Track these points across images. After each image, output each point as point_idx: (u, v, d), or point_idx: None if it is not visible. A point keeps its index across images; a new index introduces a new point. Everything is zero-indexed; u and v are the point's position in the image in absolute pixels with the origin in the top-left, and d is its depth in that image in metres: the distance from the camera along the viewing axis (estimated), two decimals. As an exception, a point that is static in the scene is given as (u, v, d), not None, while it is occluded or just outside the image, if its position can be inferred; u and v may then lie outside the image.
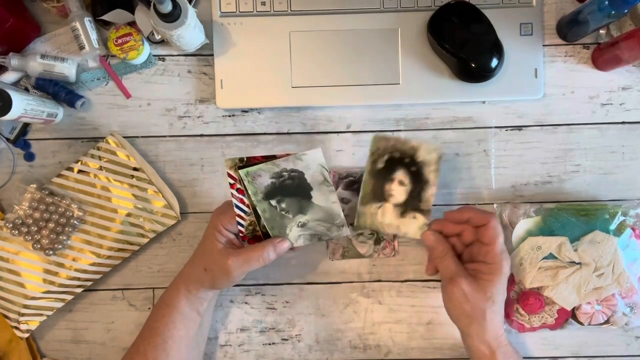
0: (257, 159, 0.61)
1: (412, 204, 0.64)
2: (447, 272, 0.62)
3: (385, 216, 0.65)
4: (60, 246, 0.68)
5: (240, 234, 0.64)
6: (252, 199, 0.61)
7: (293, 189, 0.62)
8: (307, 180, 0.61)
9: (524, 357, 0.71)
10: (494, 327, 0.61)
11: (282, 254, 0.63)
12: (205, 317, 0.67)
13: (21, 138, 0.71)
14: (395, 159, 0.64)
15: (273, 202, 0.62)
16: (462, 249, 0.65)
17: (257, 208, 0.62)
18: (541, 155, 0.71)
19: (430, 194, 0.64)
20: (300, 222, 0.63)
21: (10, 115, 0.62)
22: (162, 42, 0.71)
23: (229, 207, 0.63)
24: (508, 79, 0.70)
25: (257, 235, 0.64)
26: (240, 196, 0.62)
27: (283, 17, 0.70)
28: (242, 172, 0.61)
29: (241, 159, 0.61)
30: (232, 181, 0.62)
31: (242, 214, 0.63)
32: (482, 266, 0.61)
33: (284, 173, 0.61)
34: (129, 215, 0.69)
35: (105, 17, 0.69)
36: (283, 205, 0.62)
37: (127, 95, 0.71)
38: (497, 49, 0.68)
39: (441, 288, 0.63)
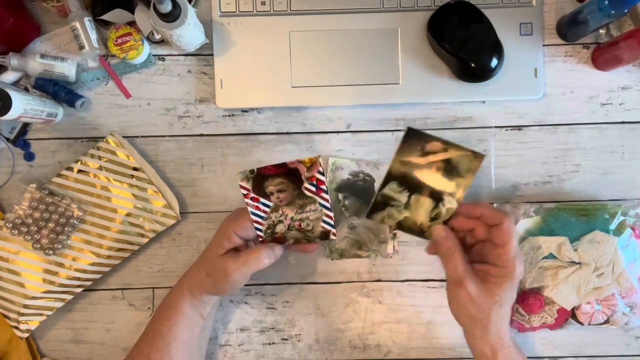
0: (267, 169, 0.61)
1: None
2: (453, 273, 0.59)
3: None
4: (60, 246, 0.68)
5: (260, 239, 0.64)
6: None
7: (361, 191, 0.69)
8: (374, 188, 0.67)
9: (524, 357, 0.72)
10: (499, 329, 0.59)
11: (279, 255, 0.63)
12: (209, 320, 0.67)
13: (21, 138, 0.71)
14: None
15: (340, 196, 0.69)
16: (472, 244, 0.62)
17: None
18: (541, 155, 0.71)
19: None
20: (352, 223, 0.68)
21: (10, 115, 0.62)
22: (162, 41, 0.71)
23: (240, 214, 0.63)
24: (508, 79, 0.70)
25: (277, 238, 0.64)
26: (255, 203, 0.62)
27: (283, 17, 0.70)
28: (331, 159, 0.69)
29: (252, 171, 0.61)
30: (244, 192, 0.62)
31: (260, 219, 0.63)
32: (492, 269, 0.58)
33: (360, 174, 0.69)
34: (128, 215, 0.69)
35: (105, 17, 0.69)
36: (347, 202, 0.68)
37: (127, 95, 0.71)
38: (497, 49, 0.68)
39: (446, 287, 0.60)
